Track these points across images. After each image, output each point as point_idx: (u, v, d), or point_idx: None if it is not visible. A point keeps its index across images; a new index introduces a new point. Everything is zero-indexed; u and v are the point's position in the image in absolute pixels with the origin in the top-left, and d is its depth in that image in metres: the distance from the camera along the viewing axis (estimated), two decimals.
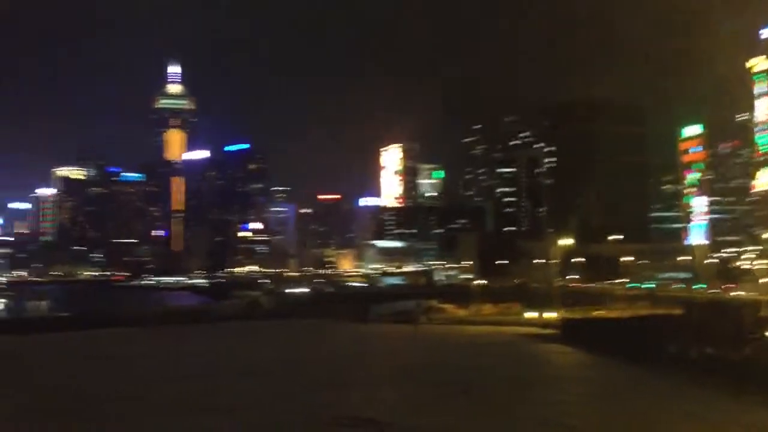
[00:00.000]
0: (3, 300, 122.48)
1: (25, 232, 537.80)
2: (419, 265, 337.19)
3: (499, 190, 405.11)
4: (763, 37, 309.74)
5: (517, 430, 35.51)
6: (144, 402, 42.86)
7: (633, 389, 46.75)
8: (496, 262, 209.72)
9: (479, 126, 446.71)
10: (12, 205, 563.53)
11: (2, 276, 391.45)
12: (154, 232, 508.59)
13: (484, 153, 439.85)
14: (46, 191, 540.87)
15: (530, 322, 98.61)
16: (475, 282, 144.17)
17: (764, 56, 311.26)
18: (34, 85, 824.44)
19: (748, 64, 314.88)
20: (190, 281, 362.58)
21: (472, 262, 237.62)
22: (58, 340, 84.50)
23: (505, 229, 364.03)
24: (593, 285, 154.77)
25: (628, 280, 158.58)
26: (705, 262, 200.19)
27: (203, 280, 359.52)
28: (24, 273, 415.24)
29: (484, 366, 59.25)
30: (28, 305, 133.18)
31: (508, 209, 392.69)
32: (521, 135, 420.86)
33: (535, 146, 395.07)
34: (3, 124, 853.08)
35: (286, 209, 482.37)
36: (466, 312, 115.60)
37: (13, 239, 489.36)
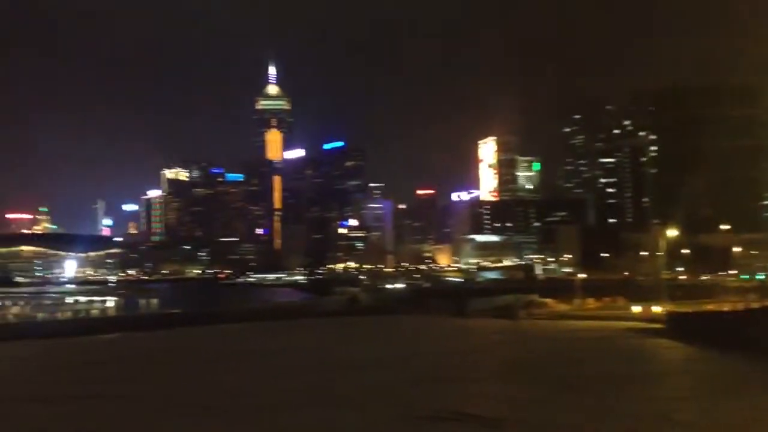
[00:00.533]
0: (114, 298, 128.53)
1: (135, 232, 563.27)
2: (517, 260, 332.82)
3: (600, 181, 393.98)
4: None
5: (625, 426, 34.61)
6: (264, 396, 44.34)
7: (744, 384, 44.82)
8: (599, 255, 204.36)
9: (579, 116, 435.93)
10: (124, 207, 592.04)
11: (113, 275, 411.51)
12: (255, 231, 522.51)
13: (585, 143, 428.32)
14: (155, 193, 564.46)
15: (636, 317, 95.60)
16: (577, 276, 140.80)
17: None
18: (143, 91, 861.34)
19: None
20: (290, 278, 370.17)
21: (572, 256, 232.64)
22: (171, 337, 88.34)
23: (608, 221, 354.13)
24: (702, 277, 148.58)
25: (738, 272, 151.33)
26: None
27: (303, 277, 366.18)
28: (134, 272, 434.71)
29: (589, 361, 58.05)
30: (139, 303, 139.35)
31: (610, 200, 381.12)
32: (623, 123, 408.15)
33: (638, 135, 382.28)
34: (115, 131, 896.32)
35: (383, 205, 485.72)
36: (568, 306, 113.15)
37: (122, 240, 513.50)
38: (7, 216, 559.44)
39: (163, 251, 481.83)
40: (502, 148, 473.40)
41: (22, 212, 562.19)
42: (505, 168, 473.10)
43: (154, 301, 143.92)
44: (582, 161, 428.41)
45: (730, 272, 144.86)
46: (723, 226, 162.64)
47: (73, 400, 44.05)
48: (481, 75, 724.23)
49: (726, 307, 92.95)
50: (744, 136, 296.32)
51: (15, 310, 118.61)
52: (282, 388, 47.05)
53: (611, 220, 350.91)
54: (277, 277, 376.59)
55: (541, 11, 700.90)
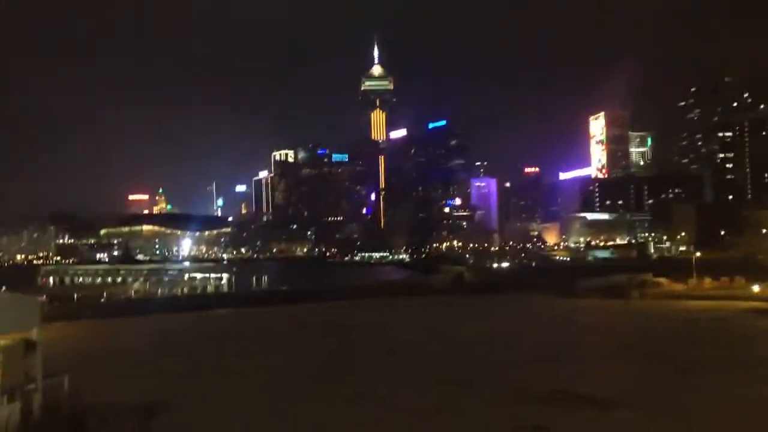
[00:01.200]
0: (227, 276, 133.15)
1: (246, 212, 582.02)
2: (629, 238, 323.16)
3: (718, 156, 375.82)
4: None
5: (742, 410, 33.04)
6: (378, 372, 45.07)
7: None
8: (717, 233, 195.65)
9: (695, 89, 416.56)
10: (236, 189, 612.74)
11: (225, 253, 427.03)
12: (360, 210, 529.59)
13: (701, 117, 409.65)
14: (264, 174, 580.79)
15: (757, 297, 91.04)
16: (693, 254, 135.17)
17: None
18: (254, 74, 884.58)
19: None
20: (395, 257, 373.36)
21: (688, 234, 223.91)
22: (282, 313, 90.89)
23: (726, 197, 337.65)
24: None
25: None
26: None
27: (407, 256, 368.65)
28: (245, 251, 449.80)
29: (707, 342, 55.79)
30: (250, 281, 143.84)
31: (728, 176, 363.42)
32: (743, 96, 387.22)
33: (758, 108, 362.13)
34: (228, 115, 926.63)
35: (488, 184, 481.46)
36: (684, 286, 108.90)
37: (234, 220, 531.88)
38: (129, 197, 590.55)
39: (272, 231, 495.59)
40: (612, 123, 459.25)
41: (142, 193, 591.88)
42: (616, 144, 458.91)
43: (265, 278, 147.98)
44: (698, 136, 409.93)
45: None
46: None
47: (196, 373, 46.09)
48: (590, 49, 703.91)
49: None
50: None
51: (136, 286, 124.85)
52: (393, 365, 47.61)
53: (729, 197, 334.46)
54: (381, 256, 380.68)
55: None
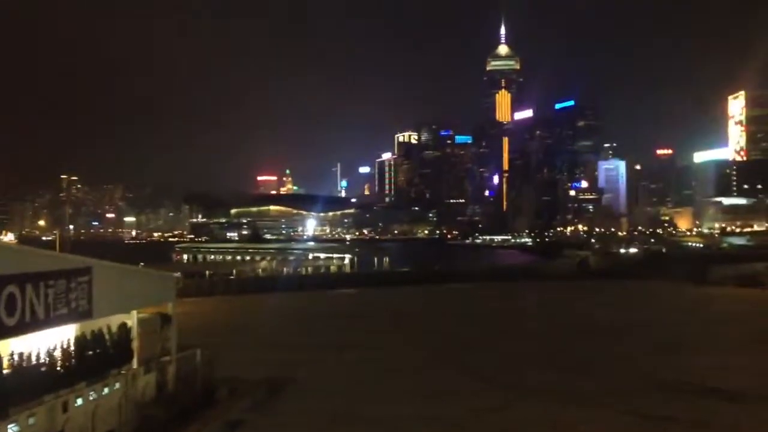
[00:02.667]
0: (349, 256, 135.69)
1: (368, 194, 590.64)
2: None
3: None
4: None
5: None
6: (493, 357, 45.01)
7: None
8: None
9: None
10: (360, 170, 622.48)
11: (348, 234, 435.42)
12: (483, 193, 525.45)
13: None
14: (387, 156, 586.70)
15: None
16: None
17: None
18: (379, 57, 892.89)
19: None
20: (517, 240, 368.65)
21: None
22: (404, 294, 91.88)
23: None
24: None
25: None
26: None
27: (530, 240, 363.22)
28: (367, 231, 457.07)
29: None
30: (373, 261, 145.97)
31: None
32: None
33: None
34: (353, 97, 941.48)
35: (616, 166, 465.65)
36: None
37: (357, 201, 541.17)
38: (258, 178, 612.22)
39: (394, 212, 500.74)
40: (753, 103, 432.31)
41: (270, 174, 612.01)
42: (756, 125, 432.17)
43: (386, 259, 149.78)
44: None
45: None
46: None
47: (320, 349, 47.50)
48: (731, 24, 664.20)
49: None
50: None
51: (263, 264, 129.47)
52: (520, 350, 47.26)
53: None
54: (503, 239, 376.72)
55: None
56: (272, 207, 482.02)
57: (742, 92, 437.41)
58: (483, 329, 58.32)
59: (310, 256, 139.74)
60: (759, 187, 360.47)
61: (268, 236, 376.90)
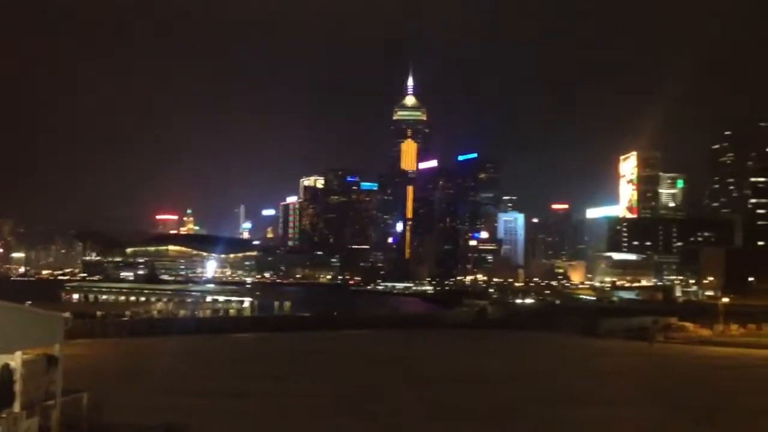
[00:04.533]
0: (250, 299, 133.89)
1: (272, 237, 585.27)
2: (656, 280, 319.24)
3: (750, 201, 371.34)
4: None
5: None
6: (389, 404, 44.91)
7: None
8: (746, 279, 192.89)
9: (729, 132, 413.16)
10: (263, 213, 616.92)
11: (250, 277, 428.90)
12: (386, 239, 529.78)
13: (734, 161, 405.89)
14: (292, 199, 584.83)
15: None
16: (721, 300, 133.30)
17: None
18: (288, 102, 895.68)
19: None
20: (419, 288, 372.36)
21: (716, 279, 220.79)
22: (303, 339, 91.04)
23: (757, 243, 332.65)
24: None
25: None
26: None
27: (431, 287, 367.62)
28: (269, 275, 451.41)
29: (731, 391, 54.76)
30: (273, 305, 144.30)
31: (760, 222, 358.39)
32: None
33: None
34: (259, 140, 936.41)
35: (515, 219, 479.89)
36: (710, 332, 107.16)
37: (260, 243, 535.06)
38: (157, 217, 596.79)
39: (297, 256, 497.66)
40: (644, 163, 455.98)
41: (170, 213, 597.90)
42: (647, 184, 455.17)
43: (287, 303, 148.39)
44: (730, 180, 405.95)
45: None
46: None
47: (216, 395, 46.24)
48: (623, 89, 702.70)
49: None
50: None
51: (159, 306, 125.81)
52: (406, 397, 47.41)
53: (760, 243, 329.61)
54: (405, 286, 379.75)
55: (688, 25, 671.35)
56: (171, 247, 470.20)
57: (634, 153, 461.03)
58: (386, 376, 58.30)
59: (209, 299, 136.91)
60: (648, 243, 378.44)
61: (165, 277, 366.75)
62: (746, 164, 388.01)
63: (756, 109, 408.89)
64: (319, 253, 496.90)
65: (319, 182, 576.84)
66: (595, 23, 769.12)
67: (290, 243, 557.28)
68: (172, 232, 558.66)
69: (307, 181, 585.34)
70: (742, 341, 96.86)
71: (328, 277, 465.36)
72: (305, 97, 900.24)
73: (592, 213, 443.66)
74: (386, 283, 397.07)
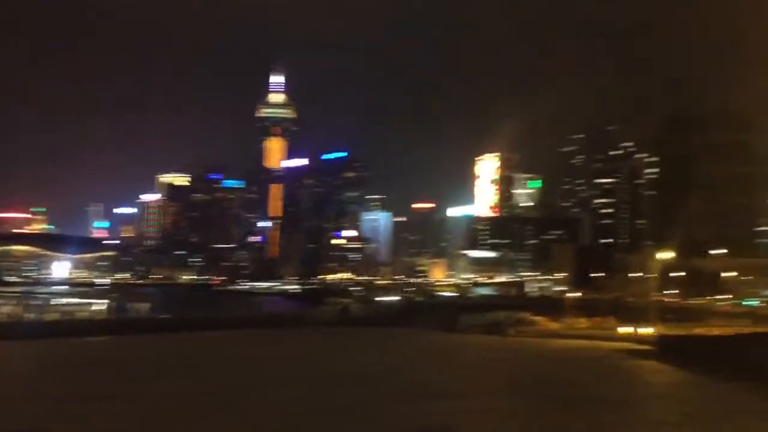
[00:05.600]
0: (106, 301, 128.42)
1: (129, 236, 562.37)
2: (511, 276, 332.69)
3: (597, 201, 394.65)
4: None
5: None
6: (252, 405, 44.34)
7: (730, 410, 44.81)
8: (591, 275, 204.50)
9: (580, 135, 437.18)
10: (118, 210, 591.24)
11: (105, 278, 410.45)
12: (251, 238, 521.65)
13: (584, 163, 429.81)
14: (152, 197, 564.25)
15: (625, 338, 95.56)
16: (569, 295, 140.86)
17: None
18: (142, 93, 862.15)
19: None
20: (283, 287, 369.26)
21: (566, 274, 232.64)
22: (161, 342, 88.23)
23: (602, 241, 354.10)
24: (693, 301, 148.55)
25: (730, 297, 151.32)
26: None
27: (296, 286, 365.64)
28: (127, 275, 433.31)
29: (578, 381, 58.03)
30: (130, 307, 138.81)
31: (605, 221, 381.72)
32: (623, 145, 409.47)
33: (636, 156, 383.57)
34: (116, 135, 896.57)
35: (381, 217, 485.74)
36: (558, 325, 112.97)
37: (118, 242, 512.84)
38: (1, 215, 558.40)
39: (156, 255, 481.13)
40: (503, 164, 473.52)
41: (15, 211, 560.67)
42: (505, 185, 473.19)
43: (145, 305, 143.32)
44: (580, 181, 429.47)
45: (721, 297, 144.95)
46: (716, 251, 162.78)
47: (69, 400, 44.02)
48: (485, 91, 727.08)
49: (716, 332, 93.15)
50: (740, 162, 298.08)
51: (5, 309, 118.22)
52: (270, 397, 47.09)
53: (605, 241, 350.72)
54: (270, 286, 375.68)
55: (548, 31, 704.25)
56: (17, 247, 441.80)
57: (492, 154, 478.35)
58: (249, 376, 57.54)
59: (59, 301, 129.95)
60: (504, 241, 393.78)
61: (11, 279, 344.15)
62: (593, 166, 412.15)
63: (605, 113, 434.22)
64: (180, 252, 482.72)
65: (181, 179, 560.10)
66: (462, 26, 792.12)
67: (149, 242, 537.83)
68: (17, 231, 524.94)
69: (168, 178, 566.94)
70: (587, 333, 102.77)
71: (190, 277, 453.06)
72: (166, 92, 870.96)
73: (454, 212, 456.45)
74: (250, 283, 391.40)
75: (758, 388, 52.02)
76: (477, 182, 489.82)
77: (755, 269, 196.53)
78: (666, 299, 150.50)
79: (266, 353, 77.62)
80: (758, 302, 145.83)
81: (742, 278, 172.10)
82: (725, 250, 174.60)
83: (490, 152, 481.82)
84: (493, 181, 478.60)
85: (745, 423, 40.68)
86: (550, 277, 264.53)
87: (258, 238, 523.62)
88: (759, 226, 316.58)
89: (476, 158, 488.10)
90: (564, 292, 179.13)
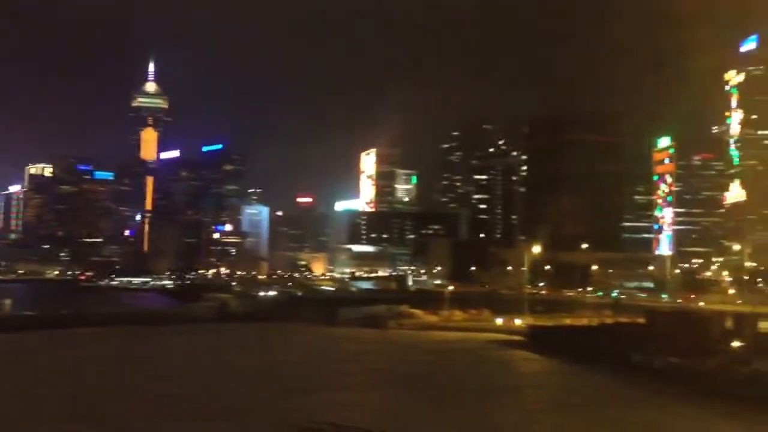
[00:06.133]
0: None
1: None
2: (391, 270, 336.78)
3: (474, 197, 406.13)
4: (742, 50, 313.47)
5: None
6: (131, 404, 42.62)
7: (597, 397, 47.26)
8: (468, 269, 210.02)
9: (458, 133, 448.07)
10: None
11: None
12: (123, 232, 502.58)
13: (462, 160, 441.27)
14: (15, 189, 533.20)
15: (499, 329, 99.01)
16: (447, 288, 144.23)
17: (735, 70, 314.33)
18: (13, 83, 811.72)
19: (726, 77, 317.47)
20: (158, 282, 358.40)
21: (443, 268, 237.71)
22: (25, 340, 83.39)
23: (479, 236, 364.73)
24: (562, 293, 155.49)
25: (595, 289, 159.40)
26: (675, 272, 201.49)
27: (171, 282, 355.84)
28: None
29: (454, 372, 59.51)
30: None
31: (482, 216, 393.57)
32: (498, 143, 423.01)
33: (511, 154, 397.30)
34: None
35: (260, 211, 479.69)
36: (437, 318, 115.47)
37: None
38: None
39: (20, 250, 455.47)
40: (382, 160, 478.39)
41: None
42: (385, 180, 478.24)
43: (7, 301, 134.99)
44: (457, 177, 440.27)
45: (588, 289, 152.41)
46: (584, 245, 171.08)
47: None
48: (367, 87, 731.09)
49: (582, 322, 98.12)
50: (606, 161, 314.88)
51: None
52: (149, 396, 45.51)
53: (481, 235, 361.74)
54: (143, 281, 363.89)
55: (427, 30, 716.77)
56: None
57: (374, 149, 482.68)
58: (121, 375, 55.29)
59: None
60: (384, 236, 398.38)
61: None
62: (471, 163, 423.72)
63: (481, 112, 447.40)
64: (45, 246, 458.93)
65: (48, 170, 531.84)
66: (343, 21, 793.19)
67: (12, 236, 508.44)
68: None
69: (34, 169, 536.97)
70: (464, 325, 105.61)
71: (56, 272, 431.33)
72: (38, 79, 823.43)
73: (340, 206, 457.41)
74: (122, 278, 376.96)
75: (621, 375, 55.09)
76: (362, 176, 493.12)
77: (618, 262, 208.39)
78: (537, 291, 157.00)
79: (137, 351, 74.62)
80: (617, 293, 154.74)
81: (608, 271, 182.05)
82: (588, 245, 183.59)
83: (372, 147, 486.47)
84: (369, 176, 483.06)
85: (609, 408, 42.96)
86: (429, 271, 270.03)
87: (130, 232, 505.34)
88: (624, 222, 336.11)
89: (363, 153, 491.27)
90: (442, 285, 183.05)
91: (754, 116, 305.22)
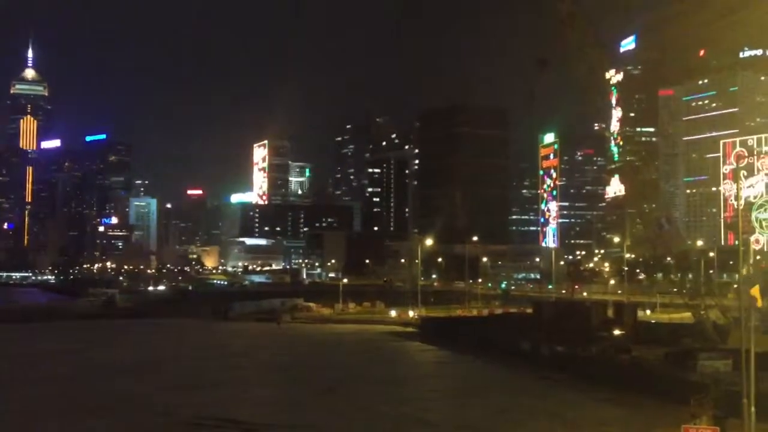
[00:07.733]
0: None
1: None
2: (285, 264, 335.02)
3: (368, 190, 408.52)
4: (622, 50, 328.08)
5: (378, 426, 36.19)
6: (10, 404, 40.60)
7: (488, 385, 48.63)
8: (362, 262, 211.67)
9: (351, 126, 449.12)
10: None
11: None
12: (2, 225, 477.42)
13: (355, 152, 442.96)
14: None
15: (393, 321, 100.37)
16: (341, 281, 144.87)
17: (614, 69, 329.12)
18: None
19: (607, 75, 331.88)
20: (40, 277, 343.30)
21: (338, 261, 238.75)
22: None
23: (373, 228, 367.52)
24: (454, 285, 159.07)
25: (485, 280, 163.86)
26: (560, 263, 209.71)
27: (54, 277, 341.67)
28: None
29: (348, 364, 59.82)
30: None
31: (375, 209, 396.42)
32: (391, 136, 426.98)
33: (404, 148, 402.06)
34: None
35: (148, 204, 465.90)
36: (331, 311, 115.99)
37: None
38: None
39: None
40: (274, 152, 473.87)
41: None
42: (277, 172, 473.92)
43: None
44: (351, 170, 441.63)
45: (479, 281, 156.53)
46: (474, 238, 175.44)
47: None
48: (260, 78, 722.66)
49: (473, 313, 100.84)
50: (498, 156, 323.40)
51: None
52: (29, 395, 43.49)
53: (375, 228, 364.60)
54: (23, 276, 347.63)
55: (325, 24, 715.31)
56: None
57: (266, 141, 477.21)
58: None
59: None
60: (278, 229, 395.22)
61: None
62: (364, 156, 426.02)
63: (374, 105, 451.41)
64: None
65: None
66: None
67: None
68: None
69: None
70: (358, 318, 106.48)
71: None
72: None
73: (234, 198, 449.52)
74: (1, 274, 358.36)
75: (510, 363, 56.89)
76: (255, 168, 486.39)
77: (508, 255, 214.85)
78: (430, 284, 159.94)
79: (17, 349, 71.12)
80: (506, 285, 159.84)
81: (498, 263, 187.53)
82: (478, 238, 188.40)
83: (265, 139, 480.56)
84: (261, 169, 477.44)
85: (499, 395, 44.25)
86: (323, 264, 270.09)
87: (9, 225, 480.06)
88: (512, 215, 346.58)
89: (255, 144, 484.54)
90: (335, 278, 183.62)
91: (632, 114, 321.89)
